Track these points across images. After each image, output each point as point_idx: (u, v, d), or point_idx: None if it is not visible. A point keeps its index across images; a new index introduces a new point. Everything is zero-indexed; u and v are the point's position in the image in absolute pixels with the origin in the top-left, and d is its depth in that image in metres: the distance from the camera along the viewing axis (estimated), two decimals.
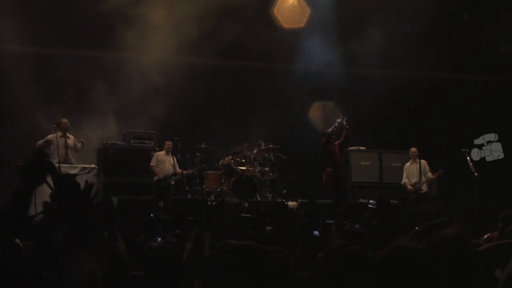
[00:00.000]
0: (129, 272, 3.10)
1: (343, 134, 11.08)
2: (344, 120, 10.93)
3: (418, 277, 2.02)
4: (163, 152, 11.43)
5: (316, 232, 5.29)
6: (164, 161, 11.37)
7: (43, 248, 3.14)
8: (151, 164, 11.28)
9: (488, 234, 4.82)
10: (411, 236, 4.43)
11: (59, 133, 10.24)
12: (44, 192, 9.27)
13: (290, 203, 11.22)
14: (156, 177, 11.26)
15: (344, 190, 11.61)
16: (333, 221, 7.45)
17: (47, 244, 3.19)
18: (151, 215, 8.59)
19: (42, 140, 10.23)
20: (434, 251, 2.12)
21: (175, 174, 11.38)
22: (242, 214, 8.42)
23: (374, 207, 9.09)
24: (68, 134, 10.49)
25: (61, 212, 2.56)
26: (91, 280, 2.68)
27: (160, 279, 2.76)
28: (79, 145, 10.58)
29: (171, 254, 2.84)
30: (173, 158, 11.45)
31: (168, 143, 11.45)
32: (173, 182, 11.38)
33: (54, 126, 10.20)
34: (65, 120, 10.45)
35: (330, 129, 10.93)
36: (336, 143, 11.07)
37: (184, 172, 11.47)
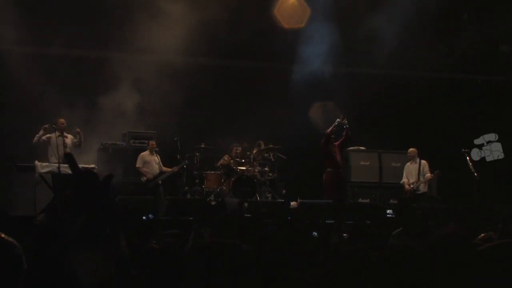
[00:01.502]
0: (130, 272, 3.10)
1: (344, 134, 11.01)
2: (344, 119, 10.86)
3: (417, 276, 2.01)
4: (147, 152, 11.43)
5: (315, 233, 5.29)
6: (151, 161, 11.39)
7: (44, 248, 3.14)
8: (137, 165, 11.29)
9: (483, 234, 4.82)
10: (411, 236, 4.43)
11: (57, 133, 10.26)
12: (44, 192, 9.24)
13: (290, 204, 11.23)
14: (145, 178, 11.27)
15: (345, 190, 11.61)
16: (333, 221, 7.47)
17: (48, 243, 3.19)
18: (150, 216, 8.57)
19: (39, 135, 10.22)
20: (434, 251, 2.12)
21: (162, 172, 11.42)
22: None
23: (393, 215, 9.10)
24: (66, 134, 10.50)
25: (79, 204, 2.56)
26: (106, 278, 2.67)
27: (163, 279, 2.75)
28: (76, 139, 10.57)
29: (174, 254, 2.83)
30: (157, 157, 11.49)
31: (152, 143, 11.50)
32: (160, 181, 11.38)
33: (54, 126, 10.21)
34: (61, 119, 10.46)
35: (329, 129, 10.83)
36: (336, 143, 11.01)
37: (170, 170, 11.48)
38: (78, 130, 10.54)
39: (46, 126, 10.22)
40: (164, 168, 11.52)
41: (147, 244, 3.21)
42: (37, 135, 10.26)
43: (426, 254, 2.02)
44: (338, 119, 10.82)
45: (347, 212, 9.40)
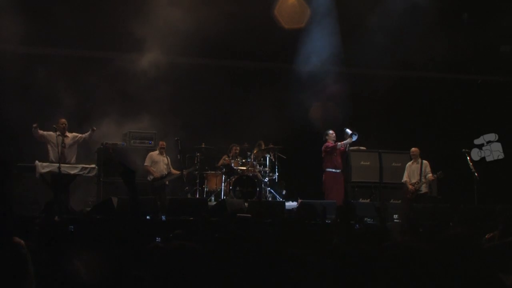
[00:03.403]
0: (131, 272, 3.10)
1: (345, 148, 11.26)
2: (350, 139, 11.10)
3: (420, 276, 2.01)
4: (157, 152, 11.40)
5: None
6: (159, 161, 11.33)
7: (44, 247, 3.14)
8: (146, 164, 11.28)
9: (488, 234, 4.83)
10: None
11: (58, 132, 10.29)
12: (45, 192, 9.23)
13: (290, 203, 11.24)
14: (152, 176, 11.25)
15: (345, 191, 11.61)
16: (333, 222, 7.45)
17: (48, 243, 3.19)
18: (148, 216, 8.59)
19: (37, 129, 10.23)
20: (440, 250, 2.12)
21: (169, 174, 11.38)
22: (241, 214, 8.42)
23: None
24: (67, 134, 10.50)
25: None
26: (87, 279, 2.68)
27: (172, 280, 2.75)
28: (86, 135, 10.57)
29: (189, 254, 2.82)
30: (167, 158, 11.44)
31: (161, 143, 11.47)
32: (167, 182, 11.35)
33: (54, 126, 10.21)
34: (62, 119, 10.48)
35: (340, 142, 11.06)
36: (341, 148, 11.22)
37: (179, 172, 11.40)
38: (94, 128, 10.57)
39: (34, 125, 10.22)
40: (173, 171, 11.44)
41: (150, 243, 3.22)
42: (34, 131, 10.26)
43: (429, 254, 2.02)
44: (349, 140, 10.99)
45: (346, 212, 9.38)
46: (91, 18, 11.67)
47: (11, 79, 11.32)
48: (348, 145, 11.27)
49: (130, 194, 3.03)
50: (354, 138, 11.08)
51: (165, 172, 11.33)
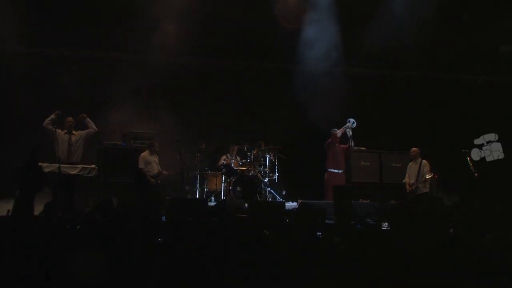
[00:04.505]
0: (131, 272, 3.11)
1: (348, 144, 11.28)
2: (351, 125, 11.06)
3: (419, 276, 2.02)
4: (148, 153, 11.24)
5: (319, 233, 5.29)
6: (151, 162, 11.21)
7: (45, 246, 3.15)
8: (140, 166, 11.14)
9: (489, 235, 4.83)
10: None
11: (65, 130, 10.31)
12: (45, 192, 9.20)
13: (290, 204, 11.25)
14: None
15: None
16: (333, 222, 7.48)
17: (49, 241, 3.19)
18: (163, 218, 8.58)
19: (49, 119, 10.22)
20: (436, 251, 2.13)
21: (160, 173, 11.25)
22: (240, 215, 8.44)
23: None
24: (74, 132, 10.49)
25: None
26: (87, 279, 2.69)
27: (173, 280, 2.76)
28: (88, 129, 10.57)
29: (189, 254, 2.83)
30: (156, 157, 11.32)
31: (151, 142, 11.43)
32: (159, 181, 11.26)
33: (55, 126, 10.20)
34: (69, 118, 10.51)
35: (339, 131, 11.06)
36: (344, 146, 11.22)
37: (166, 173, 11.30)
38: (83, 115, 10.55)
39: (58, 112, 10.23)
40: (163, 172, 11.37)
41: (150, 243, 3.23)
42: (48, 119, 10.25)
43: (428, 254, 2.03)
44: (349, 124, 10.99)
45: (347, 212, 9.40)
46: (90, 18, 11.68)
47: (15, 79, 11.34)
48: (352, 141, 11.21)
49: (143, 197, 3.06)
50: (352, 123, 11.05)
51: (156, 171, 11.21)
